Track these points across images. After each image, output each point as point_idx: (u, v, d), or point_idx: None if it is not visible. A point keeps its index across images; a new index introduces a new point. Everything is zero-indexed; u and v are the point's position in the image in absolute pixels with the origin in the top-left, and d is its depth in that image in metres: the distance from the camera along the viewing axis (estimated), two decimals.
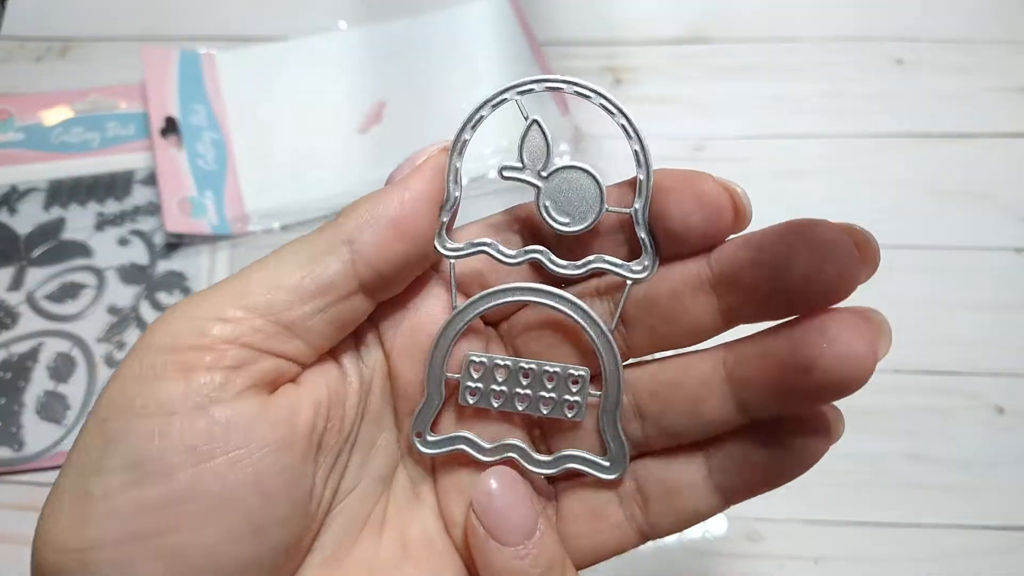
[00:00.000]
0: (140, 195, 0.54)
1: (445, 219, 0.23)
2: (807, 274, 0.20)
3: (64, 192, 0.54)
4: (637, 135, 0.22)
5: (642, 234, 0.22)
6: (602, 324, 0.23)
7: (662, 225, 0.22)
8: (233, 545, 0.19)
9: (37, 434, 0.46)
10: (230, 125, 0.56)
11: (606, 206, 0.22)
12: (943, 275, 0.51)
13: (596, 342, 0.23)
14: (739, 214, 0.22)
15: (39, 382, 0.48)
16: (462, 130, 0.23)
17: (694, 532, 0.43)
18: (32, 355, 0.48)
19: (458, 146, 0.22)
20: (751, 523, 0.44)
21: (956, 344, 0.49)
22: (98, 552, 0.18)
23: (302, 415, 0.21)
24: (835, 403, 0.22)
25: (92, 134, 0.56)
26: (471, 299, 0.23)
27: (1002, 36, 0.60)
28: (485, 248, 0.23)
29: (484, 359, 0.23)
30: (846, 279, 0.20)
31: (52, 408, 0.47)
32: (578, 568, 0.23)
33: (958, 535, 0.44)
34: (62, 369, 0.48)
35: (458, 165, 0.22)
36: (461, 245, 0.23)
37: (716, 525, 0.44)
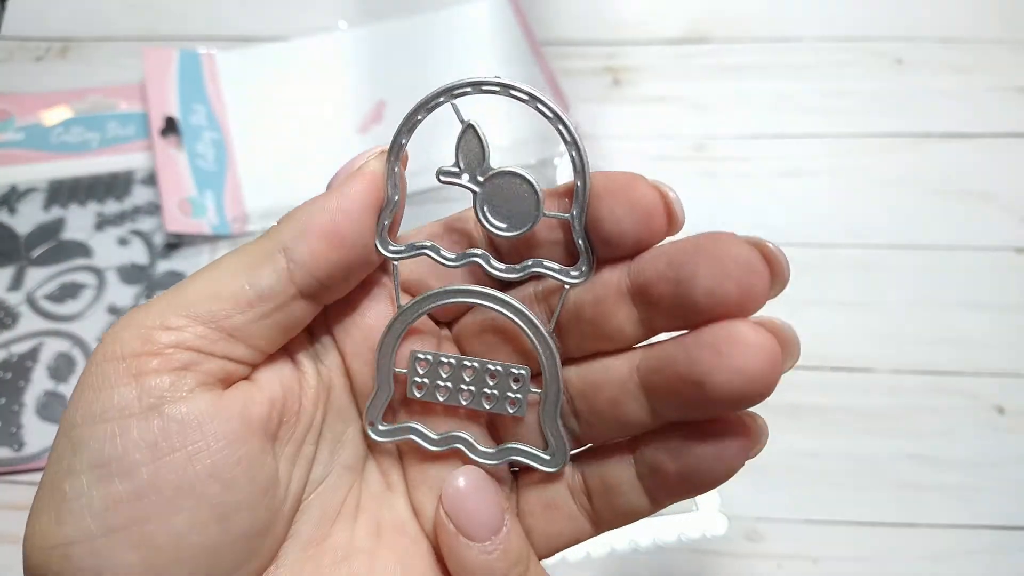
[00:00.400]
0: (140, 195, 0.54)
1: (386, 222, 0.23)
2: (710, 289, 0.20)
3: (64, 192, 0.54)
4: (575, 141, 0.22)
5: (579, 240, 0.22)
6: (541, 326, 0.23)
7: (596, 229, 0.22)
8: (201, 531, 0.21)
9: (37, 434, 0.46)
10: (230, 125, 0.56)
11: (543, 211, 0.22)
12: (943, 275, 0.51)
13: (535, 343, 0.23)
14: (672, 219, 0.21)
15: (39, 382, 0.48)
16: (398, 134, 0.23)
17: (694, 532, 0.43)
18: (32, 355, 0.48)
19: (395, 150, 0.23)
20: (751, 523, 0.44)
21: (956, 344, 0.49)
22: (78, 546, 0.20)
23: (255, 409, 0.22)
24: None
25: (92, 134, 0.56)
26: (414, 299, 0.24)
27: (1002, 36, 0.60)
28: (425, 251, 0.23)
29: (428, 356, 0.24)
30: (750, 295, 0.20)
31: (52, 408, 0.47)
32: (540, 558, 0.24)
33: (958, 535, 0.44)
34: (62, 369, 0.48)
35: (396, 169, 0.23)
36: (402, 248, 0.23)
37: (716, 525, 0.44)
